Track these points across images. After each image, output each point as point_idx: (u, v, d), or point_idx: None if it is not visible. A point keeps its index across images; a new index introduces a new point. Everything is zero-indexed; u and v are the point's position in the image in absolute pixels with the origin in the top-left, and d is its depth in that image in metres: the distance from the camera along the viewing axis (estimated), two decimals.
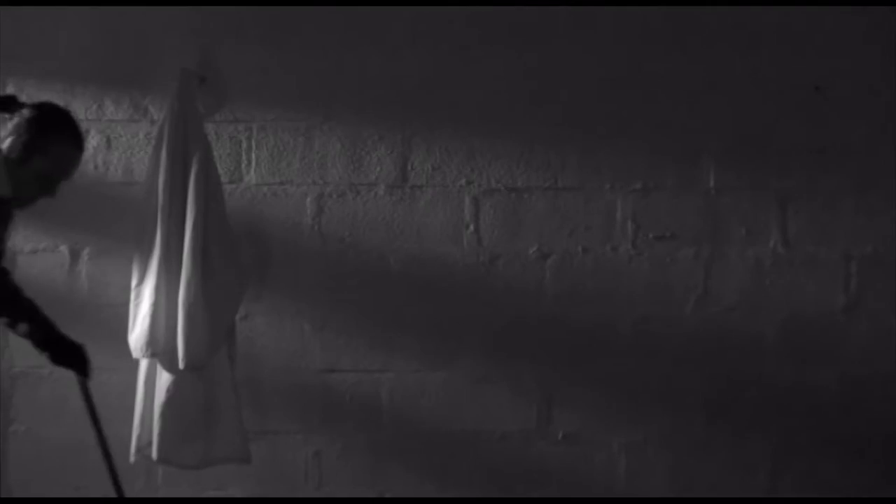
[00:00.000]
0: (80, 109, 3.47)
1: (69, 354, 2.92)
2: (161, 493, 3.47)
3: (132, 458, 3.22)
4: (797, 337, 3.43)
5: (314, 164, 3.47)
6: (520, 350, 3.45)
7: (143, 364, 3.24)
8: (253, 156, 3.48)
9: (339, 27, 3.44)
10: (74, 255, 3.47)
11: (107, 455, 3.02)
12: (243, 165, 3.48)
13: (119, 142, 3.49)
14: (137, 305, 3.21)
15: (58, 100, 3.44)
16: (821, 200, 3.44)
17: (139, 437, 3.22)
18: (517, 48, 3.44)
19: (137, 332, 3.18)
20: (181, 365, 3.12)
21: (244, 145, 3.47)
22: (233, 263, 3.28)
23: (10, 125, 2.65)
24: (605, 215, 3.45)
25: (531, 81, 3.44)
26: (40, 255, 3.48)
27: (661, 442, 3.44)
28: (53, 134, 2.68)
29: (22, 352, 3.47)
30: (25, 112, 2.67)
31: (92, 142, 3.48)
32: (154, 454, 3.17)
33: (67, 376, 3.45)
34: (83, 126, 3.44)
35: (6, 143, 2.63)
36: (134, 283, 3.23)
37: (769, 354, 3.43)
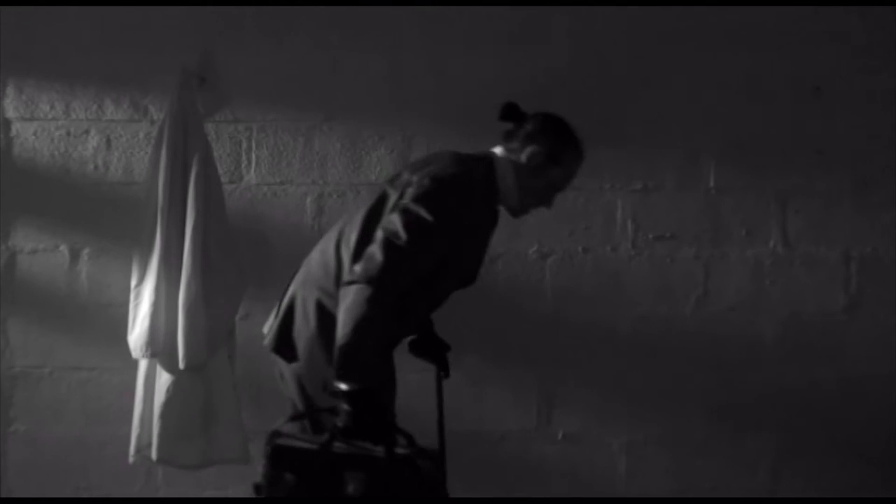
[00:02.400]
0: (80, 109, 3.48)
1: (432, 351, 2.99)
2: (161, 493, 3.47)
3: (132, 459, 3.22)
4: (797, 337, 3.43)
5: (314, 164, 3.47)
6: (520, 350, 3.45)
7: (143, 364, 3.24)
8: (253, 156, 3.48)
9: (339, 27, 3.45)
10: (74, 255, 3.48)
11: (442, 455, 2.90)
12: (243, 165, 3.48)
13: (119, 142, 3.49)
14: (137, 305, 3.21)
15: (58, 100, 3.47)
16: (821, 200, 3.44)
17: (139, 438, 3.22)
18: (517, 48, 3.44)
19: (137, 333, 3.18)
20: (181, 365, 3.12)
21: (244, 145, 3.48)
22: (233, 263, 3.28)
23: (522, 133, 2.62)
24: (605, 215, 3.45)
25: (531, 81, 3.43)
26: (40, 255, 3.48)
27: (661, 442, 3.44)
28: (571, 146, 2.66)
29: (22, 352, 3.48)
30: (542, 121, 2.65)
31: (92, 142, 3.48)
32: (154, 454, 3.17)
33: (67, 376, 3.47)
34: (83, 126, 3.48)
35: (526, 152, 2.60)
36: (134, 283, 3.23)
37: (769, 354, 3.43)
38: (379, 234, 2.40)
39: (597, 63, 3.44)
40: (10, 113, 3.49)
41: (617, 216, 3.46)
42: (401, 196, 2.49)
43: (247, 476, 3.41)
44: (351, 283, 2.34)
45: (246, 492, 3.46)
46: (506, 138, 2.65)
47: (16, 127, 3.50)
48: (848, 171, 3.43)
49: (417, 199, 2.43)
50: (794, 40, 3.43)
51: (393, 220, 2.42)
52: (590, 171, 3.42)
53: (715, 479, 3.44)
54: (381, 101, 3.46)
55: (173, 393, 3.16)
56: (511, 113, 2.66)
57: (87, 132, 3.49)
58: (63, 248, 3.48)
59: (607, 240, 3.46)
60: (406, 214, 2.41)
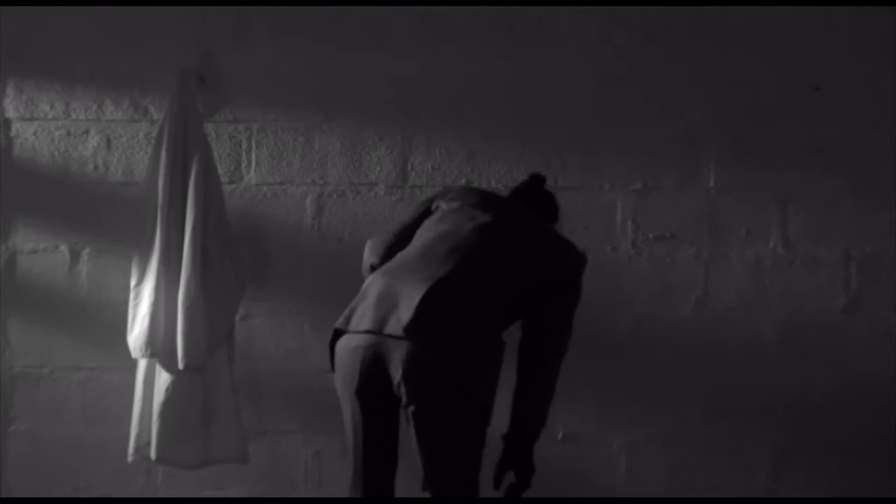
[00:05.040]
0: (80, 109, 3.49)
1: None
2: (161, 493, 3.47)
3: (130, 458, 3.22)
4: (797, 337, 3.43)
5: (314, 164, 3.47)
6: None
7: (142, 364, 3.24)
8: (253, 156, 3.48)
9: (339, 27, 3.45)
10: (74, 255, 3.48)
11: None
12: (243, 165, 3.48)
13: (119, 142, 3.49)
14: (137, 305, 3.21)
15: (58, 100, 3.48)
16: (821, 200, 3.44)
17: (138, 437, 3.22)
18: (517, 48, 3.44)
19: (136, 332, 3.18)
20: (180, 365, 3.12)
21: (244, 145, 3.48)
22: (232, 263, 3.28)
23: (551, 209, 3.17)
24: (605, 215, 3.45)
25: (531, 81, 3.44)
26: (40, 255, 3.48)
27: (661, 442, 3.44)
28: None
29: (22, 352, 3.48)
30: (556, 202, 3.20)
31: (92, 142, 3.48)
32: (152, 454, 3.17)
33: (67, 376, 3.47)
34: (83, 126, 3.49)
35: (556, 224, 3.16)
36: (133, 282, 3.24)
37: (769, 354, 3.43)
38: (561, 313, 2.89)
39: (597, 63, 3.43)
40: (10, 113, 3.50)
41: (617, 216, 3.46)
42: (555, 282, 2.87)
43: (246, 476, 3.43)
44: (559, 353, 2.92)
45: (246, 492, 3.47)
46: (536, 205, 3.10)
47: (16, 127, 3.50)
48: (848, 171, 3.42)
49: (576, 291, 2.92)
50: (794, 40, 3.43)
51: (569, 303, 2.90)
52: (590, 171, 3.45)
53: (715, 479, 3.44)
54: (381, 101, 3.46)
55: (172, 393, 3.16)
56: (542, 185, 3.17)
57: (87, 132, 3.49)
58: (63, 248, 3.48)
59: (607, 240, 3.45)
60: (572, 306, 2.90)
